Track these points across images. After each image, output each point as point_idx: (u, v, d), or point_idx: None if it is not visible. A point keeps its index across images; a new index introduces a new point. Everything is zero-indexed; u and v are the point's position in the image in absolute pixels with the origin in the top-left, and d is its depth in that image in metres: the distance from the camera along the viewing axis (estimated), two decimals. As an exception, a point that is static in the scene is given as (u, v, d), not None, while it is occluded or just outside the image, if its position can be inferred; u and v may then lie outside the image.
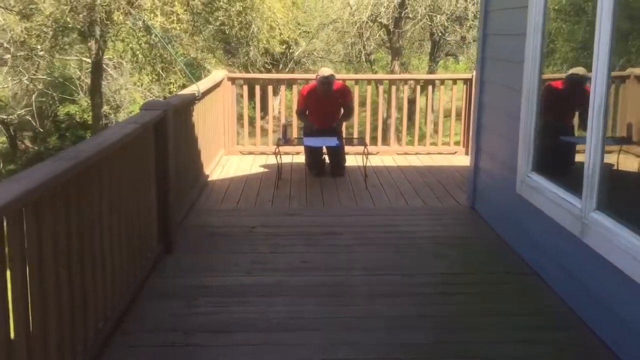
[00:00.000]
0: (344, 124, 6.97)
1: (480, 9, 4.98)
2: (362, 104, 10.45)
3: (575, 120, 3.82)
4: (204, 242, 4.41)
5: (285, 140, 6.38)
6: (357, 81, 7.99)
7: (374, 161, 6.91)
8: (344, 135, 6.86)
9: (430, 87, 8.08)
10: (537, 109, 3.85)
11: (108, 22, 14.86)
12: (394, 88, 9.61)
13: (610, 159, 3.08)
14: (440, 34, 18.97)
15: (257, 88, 7.66)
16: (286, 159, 6.61)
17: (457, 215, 5.10)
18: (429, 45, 21.01)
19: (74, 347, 2.52)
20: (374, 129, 8.67)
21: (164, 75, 16.21)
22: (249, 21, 16.33)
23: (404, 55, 21.43)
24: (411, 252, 4.21)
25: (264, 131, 8.28)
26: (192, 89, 5.49)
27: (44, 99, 19.07)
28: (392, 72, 19.18)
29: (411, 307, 3.38)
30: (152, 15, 14.45)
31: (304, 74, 19.10)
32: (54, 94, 18.88)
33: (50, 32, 15.27)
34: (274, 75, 14.65)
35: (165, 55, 15.88)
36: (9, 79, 16.93)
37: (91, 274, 2.71)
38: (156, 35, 14.64)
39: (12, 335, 2.04)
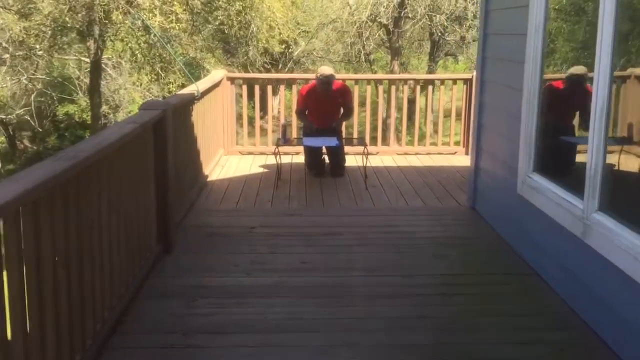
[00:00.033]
0: (344, 123, 6.95)
1: (480, 9, 4.97)
2: (362, 104, 10.43)
3: (577, 121, 3.81)
4: (203, 242, 4.39)
5: (284, 140, 6.36)
6: (357, 81, 7.98)
7: (374, 161, 6.89)
8: (343, 135, 6.85)
9: (430, 87, 8.07)
10: (538, 109, 3.83)
11: (107, 22, 14.84)
12: (393, 88, 9.59)
13: (611, 159, 3.06)
14: (439, 34, 18.97)
15: (257, 88, 7.65)
16: (286, 159, 6.60)
17: (457, 216, 5.09)
18: (429, 45, 21.00)
19: (72, 348, 2.50)
20: (374, 129, 8.66)
21: (163, 75, 16.20)
22: (248, 21, 16.31)
23: (403, 55, 21.43)
24: (411, 253, 4.20)
25: (264, 131, 8.28)
26: (191, 88, 5.47)
27: (42, 99, 19.05)
28: (392, 71, 19.17)
29: (411, 308, 3.36)
30: (151, 14, 14.43)
31: (303, 73, 19.11)
32: (53, 93, 18.86)
33: (49, 32, 15.25)
34: (273, 75, 14.63)
35: (165, 55, 15.86)
36: (8, 78, 16.90)
37: (90, 274, 2.69)
38: (155, 35, 14.62)
39: (8, 336, 2.02)
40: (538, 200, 3.72)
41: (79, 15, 14.80)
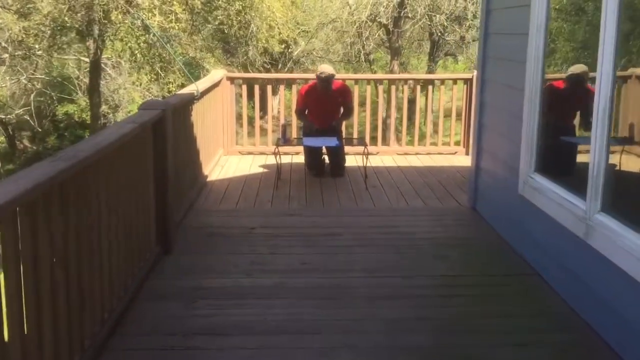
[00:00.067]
0: (344, 123, 6.93)
1: (481, 8, 4.95)
2: (362, 104, 10.42)
3: (578, 121, 3.79)
4: (203, 242, 4.37)
5: (284, 140, 6.34)
6: (357, 81, 7.96)
7: (374, 161, 6.87)
8: (343, 135, 6.83)
9: (430, 87, 8.05)
10: (539, 109, 3.81)
11: (106, 22, 14.82)
12: (393, 88, 9.58)
13: (612, 159, 3.05)
14: (439, 34, 18.96)
15: (257, 88, 7.62)
16: (285, 159, 6.58)
17: (458, 216, 5.07)
18: (428, 45, 20.99)
19: (70, 349, 2.48)
20: (374, 128, 8.64)
21: (162, 75, 16.18)
22: (248, 20, 16.30)
23: (403, 55, 21.42)
24: (411, 254, 4.18)
25: (263, 131, 8.26)
26: (191, 88, 5.46)
27: (42, 99, 19.04)
28: (391, 71, 19.16)
29: (411, 309, 3.34)
30: (150, 14, 14.41)
31: (303, 73, 19.10)
32: (53, 93, 18.85)
33: (48, 32, 15.23)
34: (273, 75, 14.62)
35: (164, 55, 15.85)
36: (7, 78, 16.88)
37: (88, 274, 2.68)
38: (154, 35, 14.60)
39: (6, 337, 2.00)
40: (539, 201, 3.70)
41: (79, 15, 14.78)
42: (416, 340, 3.02)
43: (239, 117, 8.09)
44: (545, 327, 3.15)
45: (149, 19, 14.20)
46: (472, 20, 17.96)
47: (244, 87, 7.51)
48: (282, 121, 7.31)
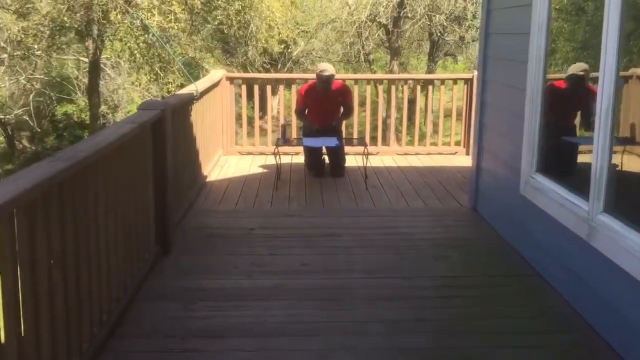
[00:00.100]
0: (344, 124, 6.91)
1: (481, 8, 4.93)
2: (362, 104, 10.39)
3: (579, 121, 3.77)
4: (203, 243, 4.35)
5: (284, 140, 6.32)
6: (356, 81, 7.93)
7: (374, 161, 6.85)
8: (343, 135, 6.81)
9: (430, 87, 8.03)
10: (541, 109, 3.79)
11: (105, 22, 14.79)
12: (393, 88, 9.56)
13: (614, 159, 3.02)
14: (439, 34, 18.94)
15: (256, 88, 7.60)
16: (285, 160, 6.55)
17: (458, 217, 5.04)
18: (428, 45, 20.98)
19: (68, 351, 2.46)
20: (374, 129, 8.62)
21: (162, 75, 16.15)
22: (248, 20, 16.28)
23: (402, 55, 21.40)
24: (412, 254, 4.16)
25: (263, 131, 8.24)
26: (190, 88, 5.44)
27: (41, 99, 19.02)
28: (391, 71, 19.15)
29: (411, 311, 3.32)
30: (150, 14, 14.38)
31: (302, 73, 19.08)
32: (52, 93, 18.84)
33: (47, 32, 15.20)
34: (272, 75, 14.61)
35: (164, 55, 15.82)
36: (6, 78, 16.85)
37: (87, 275, 2.66)
38: (154, 35, 14.58)
39: (2, 339, 1.98)
40: (541, 201, 3.68)
41: (78, 15, 14.76)
42: (416, 341, 3.00)
43: (238, 117, 8.08)
44: (546, 328, 3.13)
45: (148, 19, 14.18)
46: (471, 20, 17.96)
47: (244, 87, 7.48)
48: (281, 121, 7.29)
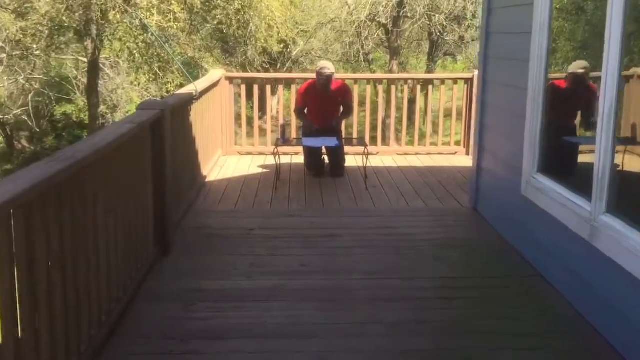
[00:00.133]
0: (344, 124, 6.89)
1: (482, 7, 4.91)
2: (362, 103, 10.38)
3: (583, 120, 3.75)
4: (202, 244, 4.32)
5: (284, 140, 6.30)
6: (356, 81, 7.91)
7: (374, 161, 6.83)
8: (343, 135, 6.78)
9: (430, 87, 8.01)
10: (543, 109, 3.77)
11: (104, 22, 14.76)
12: (393, 88, 9.53)
13: (615, 159, 3.01)
14: (438, 34, 18.93)
15: (255, 87, 7.57)
16: (285, 160, 6.53)
17: (459, 217, 5.02)
18: (427, 44, 20.96)
19: (67, 353, 2.44)
20: (374, 129, 8.60)
21: (161, 75, 16.12)
22: (247, 20, 16.25)
23: (402, 54, 21.39)
24: (412, 255, 4.13)
25: (262, 131, 8.22)
26: (190, 88, 5.41)
27: (40, 99, 19.00)
28: (390, 71, 19.14)
29: (411, 312, 3.30)
30: (149, 13, 14.35)
31: (301, 73, 19.05)
32: (51, 93, 18.80)
33: (46, 31, 15.17)
34: (272, 75, 14.59)
35: (163, 55, 15.79)
36: (5, 78, 16.82)
37: (86, 276, 2.63)
38: (153, 34, 14.55)
39: (-1, 339, 1.96)
40: (543, 202, 3.66)
41: (76, 14, 14.72)
42: (416, 343, 2.98)
43: (237, 117, 8.06)
44: (548, 329, 3.11)
45: (147, 19, 14.15)
46: (471, 20, 17.96)
47: (243, 87, 7.45)
48: (281, 121, 7.26)
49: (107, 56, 17.23)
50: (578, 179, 3.43)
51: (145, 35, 15.52)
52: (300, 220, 4.94)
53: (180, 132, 4.79)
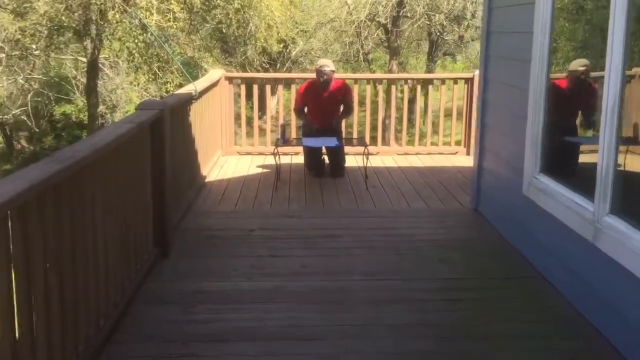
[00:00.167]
0: (343, 123, 6.86)
1: (483, 6, 4.88)
2: (362, 103, 10.36)
3: (585, 120, 3.73)
4: (202, 245, 4.30)
5: (283, 140, 6.27)
6: (356, 80, 7.88)
7: (374, 161, 6.81)
8: (343, 135, 6.76)
9: (430, 87, 7.98)
10: (545, 109, 3.74)
11: (103, 22, 14.72)
12: (393, 88, 9.51)
13: (618, 159, 2.98)
14: (438, 34, 18.91)
15: (255, 87, 7.54)
16: (285, 160, 6.51)
17: (460, 217, 5.00)
18: (427, 44, 20.94)
19: (64, 356, 2.41)
20: (374, 128, 8.58)
21: (160, 75, 16.09)
22: (247, 19, 16.22)
23: (401, 54, 21.37)
24: (413, 256, 4.11)
25: (262, 131, 8.19)
26: (189, 88, 5.39)
27: (39, 99, 18.97)
28: (390, 71, 19.13)
29: (413, 314, 3.27)
30: (148, 13, 14.31)
31: (301, 73, 19.03)
32: (50, 93, 18.77)
33: (45, 31, 15.13)
34: (271, 75, 14.56)
35: (162, 55, 15.76)
36: (4, 78, 16.78)
37: (83, 278, 2.61)
38: (152, 34, 14.52)
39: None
40: (545, 202, 3.63)
41: (76, 14, 14.69)
42: (420, 345, 2.96)
43: (237, 117, 8.02)
44: (550, 331, 3.09)
45: (146, 18, 14.11)
46: (470, 19, 17.94)
47: (243, 86, 7.42)
48: (281, 121, 7.23)
49: (107, 56, 17.20)
50: (580, 180, 3.40)
51: (144, 35, 15.49)
52: (301, 221, 4.91)
53: (180, 132, 4.77)
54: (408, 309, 3.33)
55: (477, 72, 6.44)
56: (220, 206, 5.29)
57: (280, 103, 7.89)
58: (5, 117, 18.78)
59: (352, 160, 6.65)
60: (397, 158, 7.22)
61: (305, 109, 6.41)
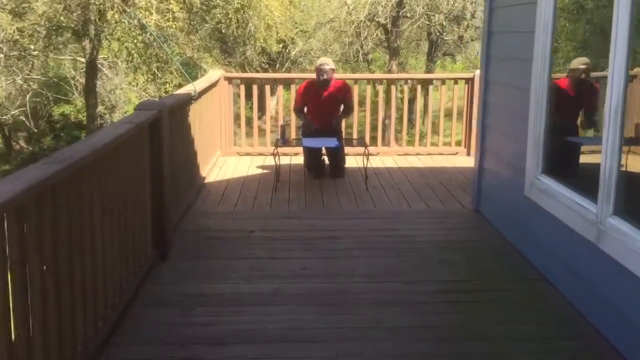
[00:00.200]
0: (343, 124, 6.83)
1: (484, 6, 4.86)
2: (361, 103, 10.33)
3: (587, 120, 3.70)
4: (201, 246, 4.27)
5: (283, 141, 6.24)
6: (356, 81, 7.86)
7: (374, 162, 6.78)
8: (343, 135, 6.73)
9: (430, 87, 7.96)
10: (546, 109, 3.72)
11: (102, 22, 14.69)
12: (393, 88, 9.49)
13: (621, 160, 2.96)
14: (437, 34, 18.89)
15: (255, 88, 7.51)
16: (284, 160, 6.48)
17: (461, 219, 4.97)
18: (426, 44, 20.92)
19: (61, 358, 2.38)
20: (374, 129, 8.55)
21: (159, 75, 16.05)
22: (246, 19, 16.19)
23: (401, 54, 21.35)
24: (414, 258, 4.08)
25: (262, 131, 8.16)
26: (188, 88, 5.36)
27: (38, 99, 18.93)
28: (390, 71, 19.10)
29: (414, 316, 3.25)
30: (147, 13, 14.27)
31: (300, 73, 19.01)
32: (49, 94, 18.73)
33: (44, 32, 15.09)
34: (271, 75, 14.53)
35: (161, 55, 15.72)
36: (3, 78, 16.73)
37: (81, 279, 2.57)
38: (151, 34, 14.48)
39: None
40: (547, 203, 3.60)
41: (74, 14, 14.64)
42: (421, 348, 2.93)
43: (236, 117, 8.00)
44: (551, 332, 3.07)
45: (145, 18, 14.08)
46: (470, 19, 17.92)
47: (242, 87, 7.39)
48: (280, 122, 7.21)
49: (105, 56, 17.16)
50: (583, 181, 3.38)
51: (143, 35, 15.45)
52: (300, 222, 4.88)
53: (179, 132, 4.74)
54: (408, 311, 3.31)
55: (477, 72, 6.42)
56: (219, 207, 5.26)
57: (280, 103, 7.86)
58: (4, 117, 18.75)
59: (352, 160, 6.62)
60: (397, 158, 7.19)
61: (305, 109, 6.37)
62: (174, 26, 14.92)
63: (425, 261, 4.02)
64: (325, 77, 6.11)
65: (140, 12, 14.25)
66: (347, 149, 6.49)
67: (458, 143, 7.62)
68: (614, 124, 2.85)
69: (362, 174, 6.07)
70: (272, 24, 16.82)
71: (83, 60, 16.49)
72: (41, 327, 2.20)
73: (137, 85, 16.58)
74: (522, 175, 3.97)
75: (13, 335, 2.02)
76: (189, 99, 5.14)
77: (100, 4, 14.16)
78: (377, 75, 15.97)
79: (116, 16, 14.29)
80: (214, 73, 7.11)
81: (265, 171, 6.50)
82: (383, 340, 2.98)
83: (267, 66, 20.44)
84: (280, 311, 3.28)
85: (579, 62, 3.72)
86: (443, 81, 8.86)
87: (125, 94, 17.53)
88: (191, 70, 17.17)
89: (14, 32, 14.71)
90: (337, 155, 6.29)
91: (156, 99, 10.88)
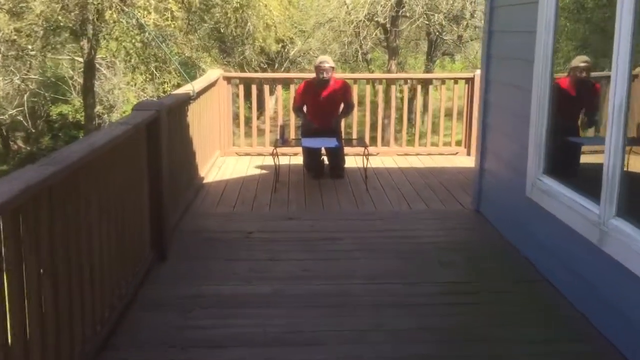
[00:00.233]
0: (343, 124, 6.80)
1: (485, 6, 4.83)
2: (361, 103, 10.30)
3: (583, 119, 3.68)
4: (200, 247, 4.24)
5: (283, 141, 6.21)
6: (355, 80, 7.83)
7: (374, 162, 6.75)
8: (343, 135, 6.70)
9: (430, 87, 7.93)
10: (548, 109, 3.69)
11: (100, 21, 14.65)
12: (393, 88, 9.46)
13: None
14: (437, 33, 18.87)
15: (254, 87, 7.48)
16: (284, 160, 6.45)
17: (461, 219, 4.94)
18: (426, 44, 20.91)
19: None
20: (373, 129, 8.52)
21: (158, 75, 16.02)
22: (245, 19, 16.16)
23: (400, 54, 21.34)
24: (414, 259, 4.05)
25: (261, 131, 8.13)
26: (187, 88, 5.34)
27: (36, 99, 18.91)
28: (389, 71, 19.08)
29: (415, 318, 3.22)
30: (146, 12, 14.24)
31: (299, 73, 18.98)
32: (46, 94, 18.71)
33: (41, 31, 15.05)
34: (270, 75, 14.49)
35: (160, 54, 15.69)
36: (0, 78, 16.70)
37: (78, 281, 2.54)
38: (150, 34, 14.45)
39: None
40: (548, 204, 3.58)
41: (72, 14, 14.60)
42: (422, 350, 2.90)
43: (235, 117, 7.97)
44: (552, 333, 3.05)
45: (144, 17, 14.04)
46: (470, 19, 17.91)
47: (241, 87, 7.37)
48: (280, 122, 7.18)
49: (104, 56, 17.13)
50: (585, 181, 3.35)
51: (142, 34, 15.41)
52: (300, 223, 4.85)
53: (177, 132, 4.72)
54: (408, 313, 3.28)
55: (477, 72, 6.40)
56: (218, 208, 5.23)
57: (279, 103, 7.84)
58: (2, 117, 18.72)
59: (352, 161, 6.59)
60: (397, 159, 7.16)
61: (305, 108, 6.34)
62: (172, 26, 14.88)
63: (425, 262, 3.99)
64: (325, 75, 6.07)
65: (139, 12, 14.21)
66: (346, 149, 6.47)
67: (458, 143, 7.59)
68: (617, 123, 2.83)
69: (361, 174, 6.05)
70: (271, 23, 16.79)
71: (81, 60, 16.46)
72: (38, 328, 2.17)
73: (135, 85, 16.56)
74: (523, 175, 3.95)
75: (9, 337, 2.00)
76: (187, 99, 5.11)
77: (98, 3, 14.12)
78: (377, 75, 15.95)
79: (114, 16, 14.24)
80: (212, 73, 7.08)
81: (264, 171, 6.47)
82: (382, 342, 2.95)
83: (266, 66, 20.42)
84: (279, 313, 3.25)
85: (579, 60, 3.70)
86: (443, 81, 8.84)
87: (123, 93, 17.49)
88: (190, 70, 17.13)
89: (12, 32, 14.67)
90: (336, 155, 6.26)
91: (154, 99, 10.84)
